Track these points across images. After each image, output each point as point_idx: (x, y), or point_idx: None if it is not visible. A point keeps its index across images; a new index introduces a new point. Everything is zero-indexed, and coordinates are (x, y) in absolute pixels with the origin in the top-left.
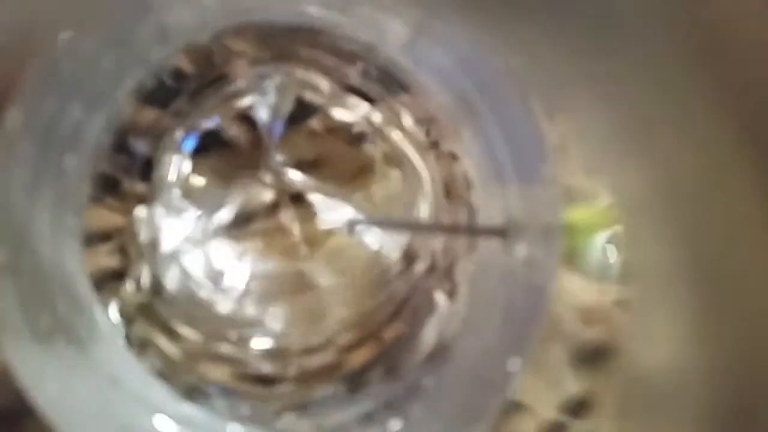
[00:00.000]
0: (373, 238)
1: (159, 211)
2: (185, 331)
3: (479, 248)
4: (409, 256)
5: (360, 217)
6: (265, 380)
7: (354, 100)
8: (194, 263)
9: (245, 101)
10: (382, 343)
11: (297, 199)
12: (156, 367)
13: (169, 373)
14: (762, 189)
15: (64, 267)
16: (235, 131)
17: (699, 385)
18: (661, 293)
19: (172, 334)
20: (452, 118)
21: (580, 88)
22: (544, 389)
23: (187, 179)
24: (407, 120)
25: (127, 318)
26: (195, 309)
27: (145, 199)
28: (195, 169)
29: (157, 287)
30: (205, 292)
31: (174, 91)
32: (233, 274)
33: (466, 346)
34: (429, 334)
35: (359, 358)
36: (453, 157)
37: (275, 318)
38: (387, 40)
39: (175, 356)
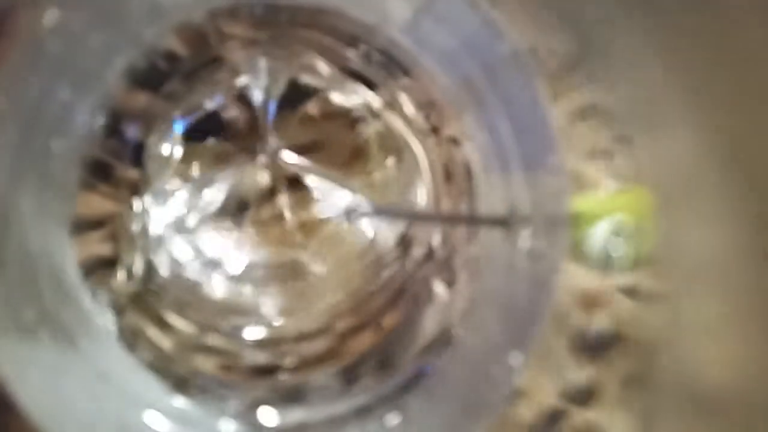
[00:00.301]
0: (368, 225)
1: (151, 197)
2: (177, 322)
3: (480, 238)
4: (405, 243)
5: (357, 204)
6: (262, 371)
7: (353, 84)
8: (187, 250)
9: (240, 82)
10: (380, 330)
11: (293, 185)
12: (147, 360)
13: (160, 365)
14: None
15: (51, 256)
16: (232, 113)
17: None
18: (706, 282)
19: (163, 326)
20: (455, 103)
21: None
22: (544, 376)
23: (180, 164)
24: (407, 105)
25: (118, 309)
26: (188, 297)
27: (137, 186)
28: (188, 154)
29: (149, 275)
30: (198, 280)
31: (166, 74)
32: (227, 261)
33: (467, 338)
34: (428, 324)
35: (357, 345)
36: (455, 142)
37: (268, 305)
38: (389, 20)
39: (167, 348)
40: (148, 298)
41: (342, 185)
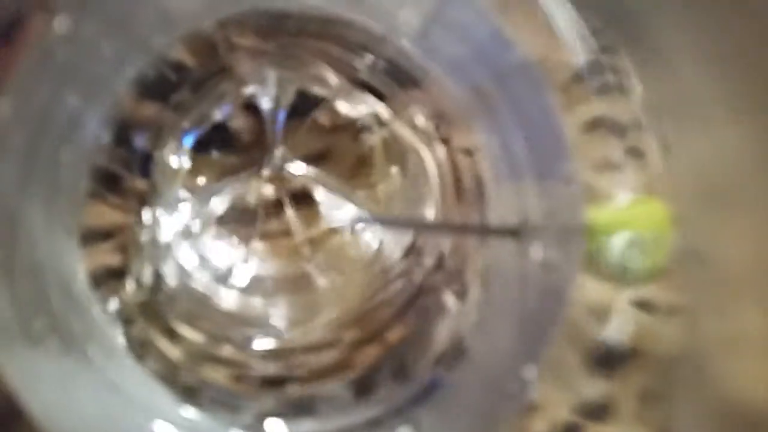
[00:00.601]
0: (375, 236)
1: (160, 207)
2: (187, 332)
3: (491, 249)
4: (413, 254)
5: (364, 215)
6: (271, 382)
7: (362, 94)
8: (196, 260)
9: (248, 92)
10: (389, 342)
11: (300, 197)
12: (156, 370)
13: (169, 376)
14: None
15: (60, 265)
16: (240, 123)
17: None
18: (727, 294)
19: (173, 336)
20: (466, 112)
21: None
22: (558, 390)
23: (188, 175)
24: (417, 115)
25: (127, 319)
26: (197, 308)
27: (146, 196)
28: (196, 165)
29: (158, 286)
30: (207, 290)
31: (175, 84)
32: (236, 273)
33: (479, 351)
34: (439, 336)
35: (366, 356)
36: (466, 152)
37: (278, 316)
38: (398, 30)
39: (177, 358)
40: (157, 309)
41: (348, 196)
